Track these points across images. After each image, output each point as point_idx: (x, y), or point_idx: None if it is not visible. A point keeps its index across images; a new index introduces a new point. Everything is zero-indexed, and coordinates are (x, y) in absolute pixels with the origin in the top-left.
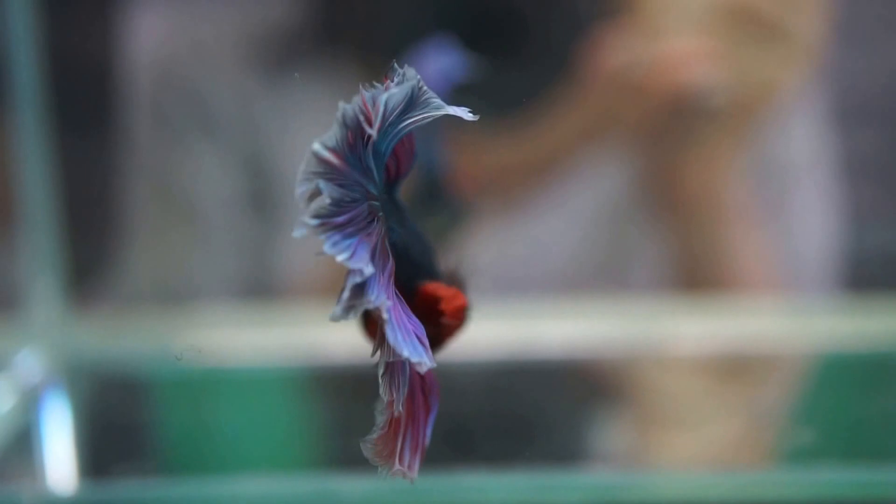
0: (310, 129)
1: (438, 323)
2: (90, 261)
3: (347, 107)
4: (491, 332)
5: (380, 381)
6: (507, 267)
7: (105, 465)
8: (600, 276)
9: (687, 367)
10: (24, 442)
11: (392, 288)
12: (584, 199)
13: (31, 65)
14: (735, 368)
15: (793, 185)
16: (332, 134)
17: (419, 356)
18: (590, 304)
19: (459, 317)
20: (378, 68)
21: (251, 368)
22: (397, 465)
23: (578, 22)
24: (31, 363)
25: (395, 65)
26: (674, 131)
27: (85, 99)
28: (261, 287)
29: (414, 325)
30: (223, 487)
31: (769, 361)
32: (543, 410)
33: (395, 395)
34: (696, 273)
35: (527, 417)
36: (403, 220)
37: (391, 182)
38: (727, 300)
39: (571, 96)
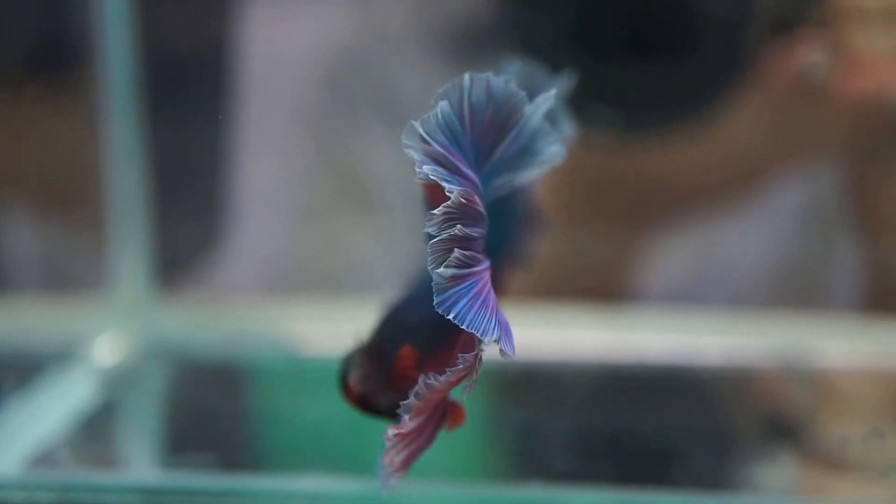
0: None
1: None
2: (184, 247)
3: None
4: (665, 343)
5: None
6: (697, 279)
7: (181, 451)
8: (791, 292)
9: (869, 400)
10: (104, 425)
11: None
12: (776, 209)
13: (124, 41)
14: None
15: None
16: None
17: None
18: (775, 319)
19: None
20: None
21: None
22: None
23: (763, 24)
24: (113, 346)
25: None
26: (866, 143)
27: (177, 79)
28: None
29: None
30: (292, 483)
31: None
32: (698, 431)
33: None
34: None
35: (678, 436)
36: None
37: None
38: None
39: (751, 100)
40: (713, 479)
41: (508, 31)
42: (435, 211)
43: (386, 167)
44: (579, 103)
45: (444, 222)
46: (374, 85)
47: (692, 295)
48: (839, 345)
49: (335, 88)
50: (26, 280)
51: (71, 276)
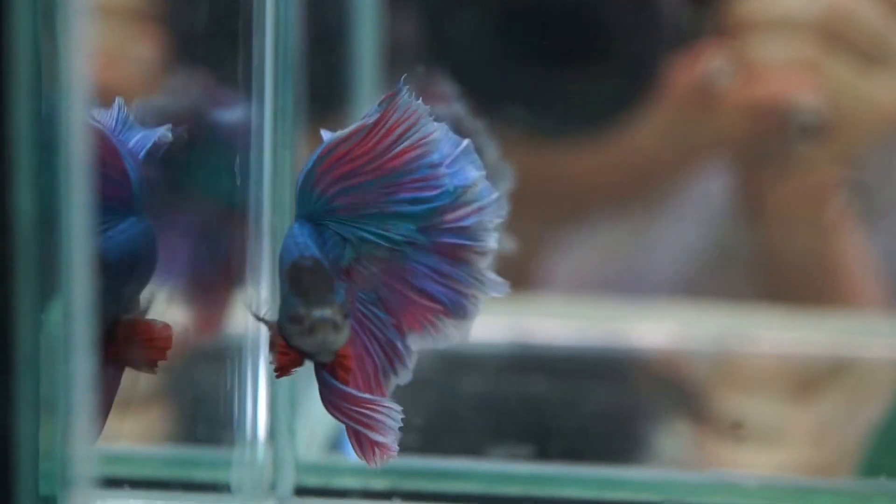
0: None
1: None
2: None
3: None
4: (578, 330)
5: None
6: (607, 273)
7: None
8: (698, 283)
9: (770, 379)
10: None
11: None
12: (681, 206)
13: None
14: (821, 383)
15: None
16: None
17: None
18: (683, 308)
19: None
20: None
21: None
22: None
23: (667, 37)
24: None
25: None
26: (764, 148)
27: None
28: None
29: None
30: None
31: (856, 377)
32: (614, 408)
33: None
34: (794, 282)
35: (594, 412)
36: None
37: None
38: (821, 311)
39: (656, 108)
40: (619, 453)
41: (420, 39)
42: None
43: None
44: (493, 103)
45: None
46: None
47: (607, 286)
48: (758, 332)
49: None
50: None
51: None
